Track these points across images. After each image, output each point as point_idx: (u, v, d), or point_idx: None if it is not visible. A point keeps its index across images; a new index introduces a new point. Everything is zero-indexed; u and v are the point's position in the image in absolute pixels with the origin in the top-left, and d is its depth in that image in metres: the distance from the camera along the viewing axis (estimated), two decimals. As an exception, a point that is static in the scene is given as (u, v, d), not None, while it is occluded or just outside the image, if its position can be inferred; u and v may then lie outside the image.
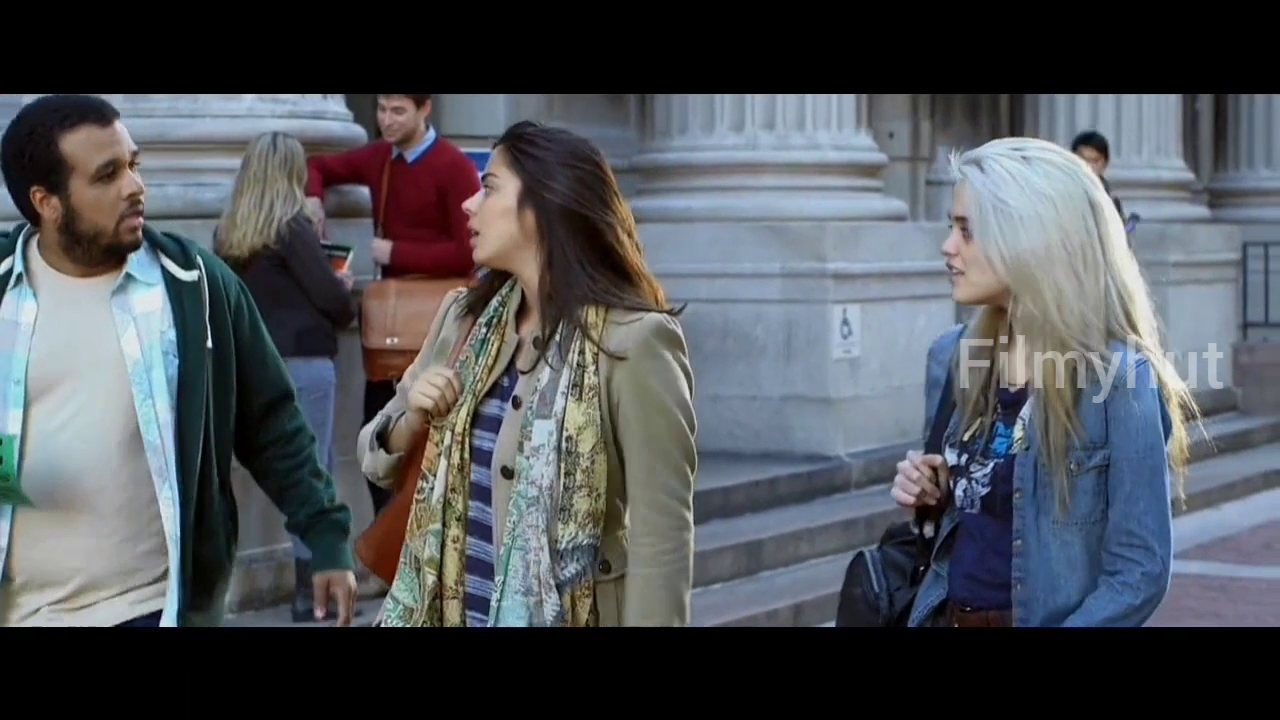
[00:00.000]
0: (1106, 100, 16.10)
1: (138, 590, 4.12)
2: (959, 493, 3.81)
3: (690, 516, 3.88)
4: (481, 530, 3.89)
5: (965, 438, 3.81)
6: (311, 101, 9.30)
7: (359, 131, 9.67)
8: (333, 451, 8.34)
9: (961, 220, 3.74)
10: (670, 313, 3.88)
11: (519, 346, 3.91)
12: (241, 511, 9.14)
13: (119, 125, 4.09)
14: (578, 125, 12.74)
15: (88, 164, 4.02)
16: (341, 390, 8.66)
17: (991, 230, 3.67)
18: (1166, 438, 3.72)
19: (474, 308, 3.99)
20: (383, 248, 9.03)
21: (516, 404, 3.86)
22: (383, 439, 4.01)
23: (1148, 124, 16.28)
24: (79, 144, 4.02)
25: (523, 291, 3.94)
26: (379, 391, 8.20)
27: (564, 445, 3.79)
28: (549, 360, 3.83)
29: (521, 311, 3.95)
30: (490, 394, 3.91)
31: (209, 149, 9.09)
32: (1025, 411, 3.72)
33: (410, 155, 9.08)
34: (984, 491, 3.77)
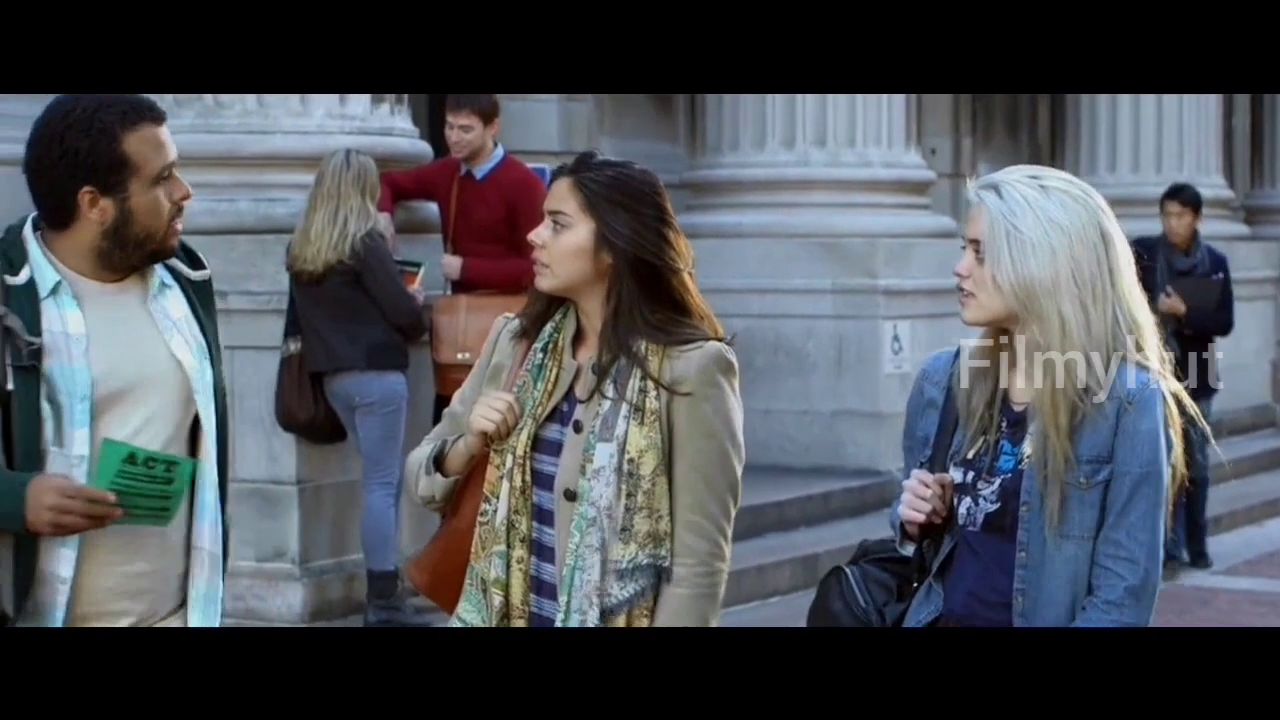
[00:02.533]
0: (1148, 117, 16.15)
1: (174, 616, 3.96)
2: (962, 510, 3.85)
3: (727, 547, 3.94)
4: (544, 552, 3.95)
5: (969, 455, 3.85)
6: (380, 117, 9.39)
7: (425, 148, 9.75)
8: (403, 465, 8.40)
9: (975, 243, 3.78)
10: (726, 342, 3.96)
11: (577, 373, 3.97)
12: (313, 523, 9.19)
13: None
14: (628, 140, 12.91)
15: (150, 165, 3.80)
16: (410, 404, 8.75)
17: (1003, 256, 3.71)
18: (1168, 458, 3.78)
19: (527, 332, 4.04)
20: (453, 264, 9.10)
21: (578, 428, 3.92)
22: (439, 463, 4.04)
23: (1188, 141, 16.32)
24: (142, 143, 3.79)
25: (577, 317, 4.01)
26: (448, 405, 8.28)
27: (625, 467, 3.86)
28: (605, 389, 3.91)
29: (577, 337, 4.01)
30: (550, 418, 3.96)
31: (280, 164, 9.18)
32: (1034, 428, 3.77)
33: (479, 172, 9.16)
34: (993, 508, 3.81)
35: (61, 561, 3.78)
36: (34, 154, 3.83)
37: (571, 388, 3.96)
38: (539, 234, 3.95)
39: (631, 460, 3.85)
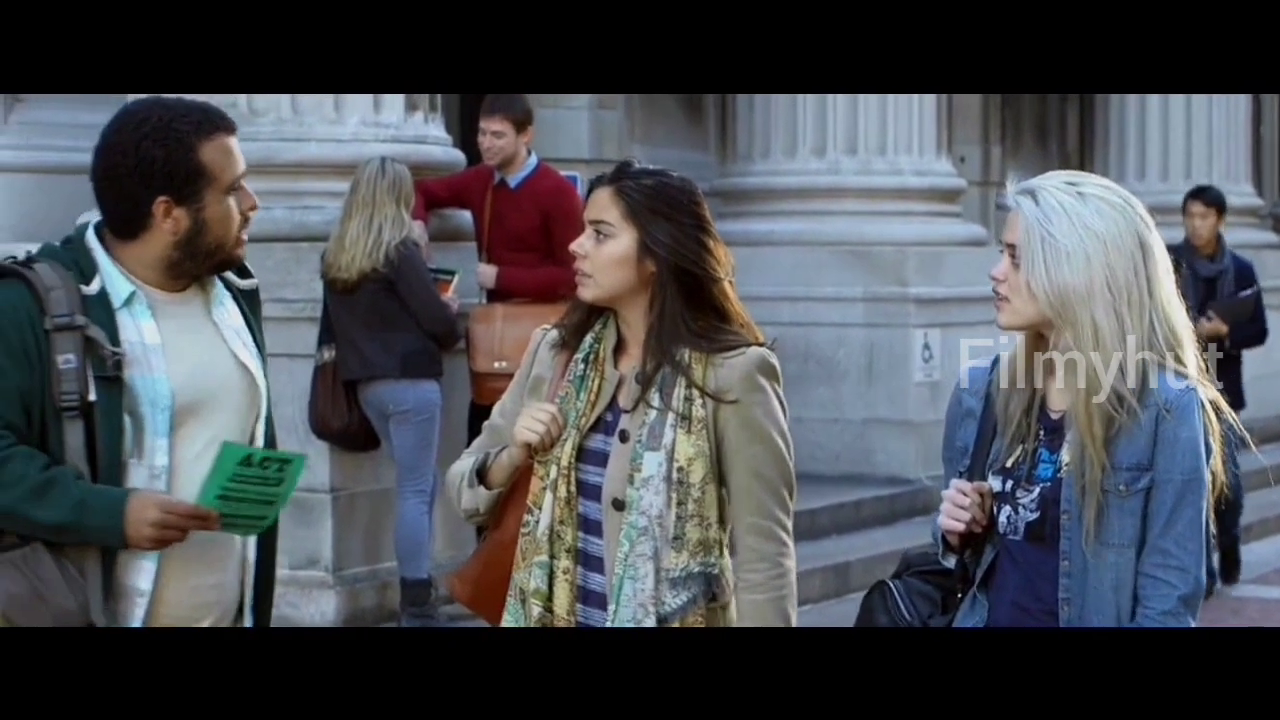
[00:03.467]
0: (1177, 125, 16.13)
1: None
2: (1002, 519, 3.84)
3: (791, 542, 3.98)
4: (592, 562, 3.97)
5: (1008, 464, 3.84)
6: (414, 125, 9.39)
7: (459, 156, 9.75)
8: (437, 473, 8.43)
9: (1011, 248, 3.77)
10: (767, 347, 3.98)
11: (620, 383, 3.98)
12: (347, 531, 9.19)
13: None
14: (659, 148, 12.91)
15: (225, 175, 3.79)
16: (444, 412, 8.76)
17: (1037, 262, 3.70)
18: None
19: (567, 343, 4.05)
20: (488, 273, 9.10)
21: (624, 438, 3.94)
22: (481, 476, 4.05)
23: (1217, 148, 16.30)
24: (217, 153, 3.78)
25: (618, 327, 4.02)
26: (484, 414, 8.28)
27: (674, 476, 3.88)
28: (650, 398, 3.92)
29: (618, 347, 4.02)
30: (594, 429, 3.98)
31: (314, 172, 9.19)
32: (1071, 435, 3.76)
33: (513, 180, 9.16)
34: (1032, 516, 3.80)
35: (141, 574, 3.79)
36: (105, 162, 3.80)
37: (614, 398, 3.98)
38: (581, 244, 3.97)
39: (681, 469, 3.88)
